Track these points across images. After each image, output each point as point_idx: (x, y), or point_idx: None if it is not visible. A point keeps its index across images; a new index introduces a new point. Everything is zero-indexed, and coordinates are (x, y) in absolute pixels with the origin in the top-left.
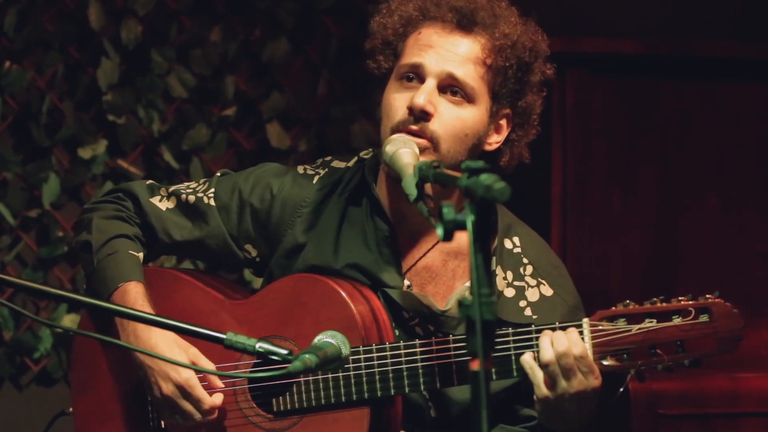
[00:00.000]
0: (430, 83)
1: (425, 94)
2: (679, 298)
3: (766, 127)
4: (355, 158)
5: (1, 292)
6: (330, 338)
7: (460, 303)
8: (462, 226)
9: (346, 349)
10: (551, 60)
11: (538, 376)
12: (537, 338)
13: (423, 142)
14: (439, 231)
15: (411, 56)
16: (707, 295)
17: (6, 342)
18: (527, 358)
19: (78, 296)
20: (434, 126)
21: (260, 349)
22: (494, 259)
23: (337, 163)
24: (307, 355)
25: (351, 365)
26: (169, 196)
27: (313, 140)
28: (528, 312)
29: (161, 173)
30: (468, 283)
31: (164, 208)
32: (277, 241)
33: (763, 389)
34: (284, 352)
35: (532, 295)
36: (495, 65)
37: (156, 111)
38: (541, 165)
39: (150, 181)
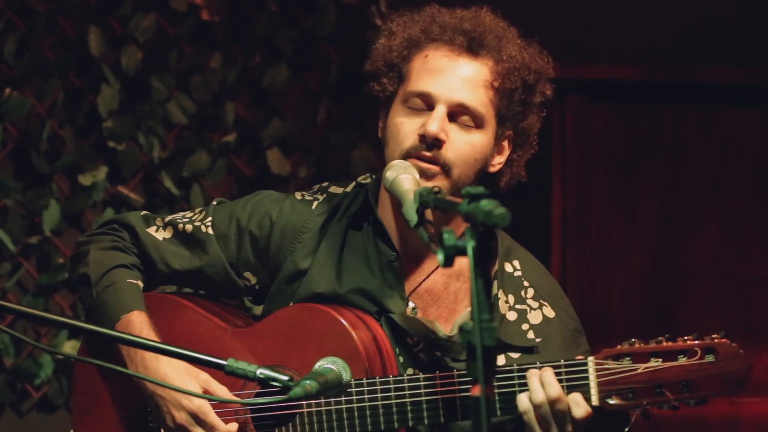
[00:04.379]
0: (441, 110)
1: (437, 122)
2: (685, 337)
3: (765, 153)
4: (353, 183)
5: (2, 319)
6: (330, 364)
7: (461, 329)
8: (463, 252)
9: (346, 375)
10: (551, 84)
11: (532, 419)
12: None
13: (435, 168)
14: (440, 257)
15: (419, 82)
16: (713, 336)
17: (7, 369)
18: (524, 399)
19: (79, 323)
20: (447, 153)
21: (261, 375)
22: (496, 282)
23: (335, 189)
24: (307, 381)
25: (354, 397)
26: (165, 226)
27: (312, 167)
28: (531, 335)
29: (161, 200)
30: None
31: (161, 238)
32: (277, 268)
33: (764, 414)
34: (285, 378)
35: (535, 317)
36: (502, 88)
37: (156, 137)
38: (541, 190)
39: (144, 212)
